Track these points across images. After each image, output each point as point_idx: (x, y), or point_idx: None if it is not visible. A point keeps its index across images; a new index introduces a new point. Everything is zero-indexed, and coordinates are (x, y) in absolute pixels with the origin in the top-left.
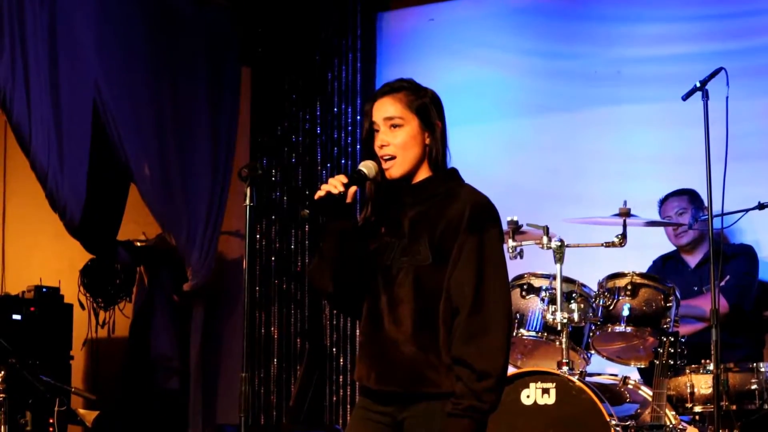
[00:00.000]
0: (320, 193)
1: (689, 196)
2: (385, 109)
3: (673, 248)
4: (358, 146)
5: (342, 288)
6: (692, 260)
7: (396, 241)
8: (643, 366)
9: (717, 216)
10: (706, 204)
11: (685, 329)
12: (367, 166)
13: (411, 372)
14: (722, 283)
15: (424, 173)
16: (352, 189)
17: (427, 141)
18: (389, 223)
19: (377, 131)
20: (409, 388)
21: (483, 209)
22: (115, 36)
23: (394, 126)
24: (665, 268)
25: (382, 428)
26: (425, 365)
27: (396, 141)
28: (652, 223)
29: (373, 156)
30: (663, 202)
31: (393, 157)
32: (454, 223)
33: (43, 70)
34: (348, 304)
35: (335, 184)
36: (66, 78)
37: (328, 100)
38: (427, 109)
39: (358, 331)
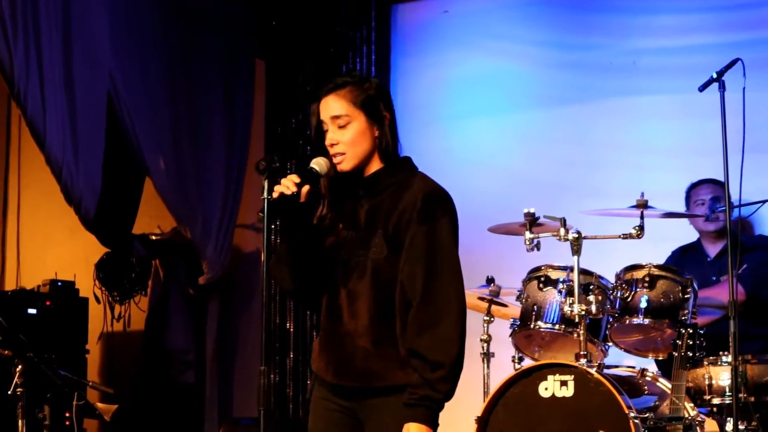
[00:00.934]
0: (273, 195)
1: (722, 186)
2: (331, 107)
3: (693, 239)
4: None
5: (302, 286)
6: (712, 250)
7: (353, 234)
8: (661, 358)
9: (735, 207)
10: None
11: (701, 320)
12: (318, 163)
13: (366, 366)
14: (739, 271)
15: (376, 165)
16: (305, 188)
17: (376, 134)
18: (346, 217)
19: (326, 130)
20: (364, 382)
21: (434, 198)
22: (130, 28)
23: (342, 125)
24: (684, 258)
25: (342, 418)
26: (381, 359)
27: (344, 139)
28: (670, 215)
29: (324, 152)
30: (695, 186)
31: (343, 153)
32: (406, 214)
33: (58, 63)
34: (310, 300)
35: (287, 185)
36: (80, 71)
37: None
38: (373, 102)
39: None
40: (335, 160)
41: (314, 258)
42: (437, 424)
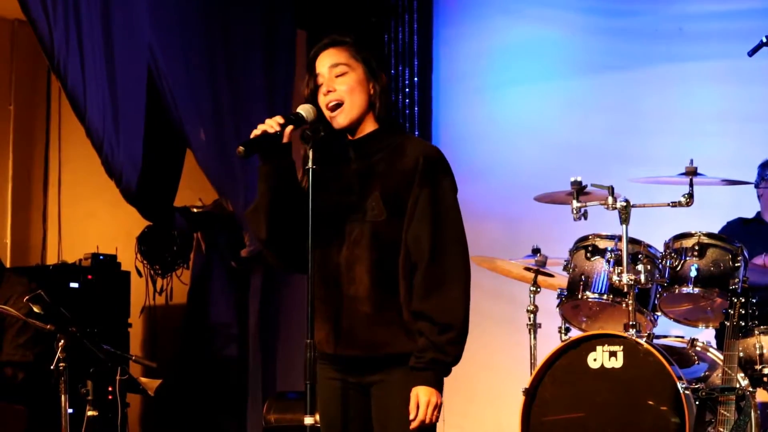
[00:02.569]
0: (256, 132)
1: None
2: (331, 58)
3: (742, 206)
4: (416, 108)
5: (277, 234)
6: None
7: (346, 198)
8: (711, 327)
9: None
10: None
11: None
12: (305, 109)
13: (369, 334)
14: None
15: (369, 126)
16: (288, 129)
17: (372, 91)
18: (337, 180)
19: (321, 84)
20: (369, 351)
21: (435, 161)
22: (169, 1)
23: (340, 74)
24: (747, 228)
25: (349, 394)
26: (384, 325)
27: (342, 87)
28: (726, 182)
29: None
30: None
31: (339, 104)
32: (406, 176)
33: (97, 36)
34: (281, 252)
35: (271, 124)
36: (120, 43)
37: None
38: (371, 60)
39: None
40: (331, 114)
41: (291, 206)
42: (442, 388)
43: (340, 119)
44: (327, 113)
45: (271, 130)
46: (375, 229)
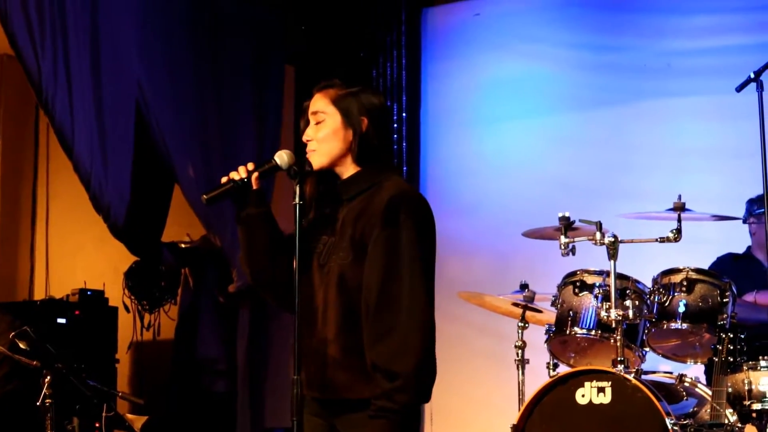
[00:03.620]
0: (223, 179)
1: None
2: (313, 104)
3: (730, 242)
4: (405, 143)
5: (260, 277)
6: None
7: (328, 239)
8: (699, 363)
9: None
10: None
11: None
12: (280, 156)
13: (333, 377)
14: None
15: (350, 168)
16: (255, 175)
17: (349, 137)
18: (326, 222)
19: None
20: (331, 394)
21: (401, 201)
22: (158, 35)
23: (318, 122)
24: (737, 264)
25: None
26: (346, 370)
27: (317, 136)
28: (714, 217)
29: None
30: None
31: (313, 150)
32: (373, 218)
33: (86, 71)
34: (271, 292)
35: (239, 171)
36: (108, 79)
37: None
38: (352, 105)
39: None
40: (307, 156)
41: (272, 250)
42: None
43: (313, 161)
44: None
45: (237, 177)
46: (341, 271)
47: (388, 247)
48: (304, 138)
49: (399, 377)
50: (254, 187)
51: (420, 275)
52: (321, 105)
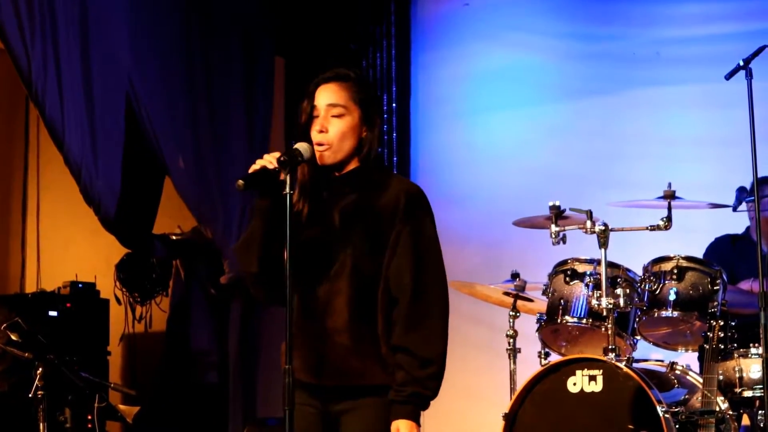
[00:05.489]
0: (255, 167)
1: None
2: (331, 95)
3: (720, 230)
4: (395, 134)
5: (267, 269)
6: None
7: (329, 231)
8: (690, 351)
9: (764, 198)
10: None
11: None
12: (302, 147)
13: (345, 364)
14: None
15: (353, 165)
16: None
17: (364, 135)
18: (320, 214)
19: (317, 116)
20: (343, 381)
21: (417, 198)
22: (148, 28)
23: (336, 115)
24: (734, 246)
25: (320, 422)
26: (361, 357)
27: (335, 129)
28: (705, 205)
29: (307, 138)
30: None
31: (329, 145)
32: (388, 212)
33: (76, 64)
34: (270, 287)
35: (270, 160)
36: (98, 71)
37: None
38: (371, 104)
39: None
40: (318, 149)
41: (281, 242)
42: (419, 422)
43: (326, 158)
44: (315, 148)
45: (270, 166)
46: (356, 262)
47: (414, 240)
48: (319, 127)
49: (433, 363)
50: (282, 177)
51: (442, 266)
52: (341, 98)
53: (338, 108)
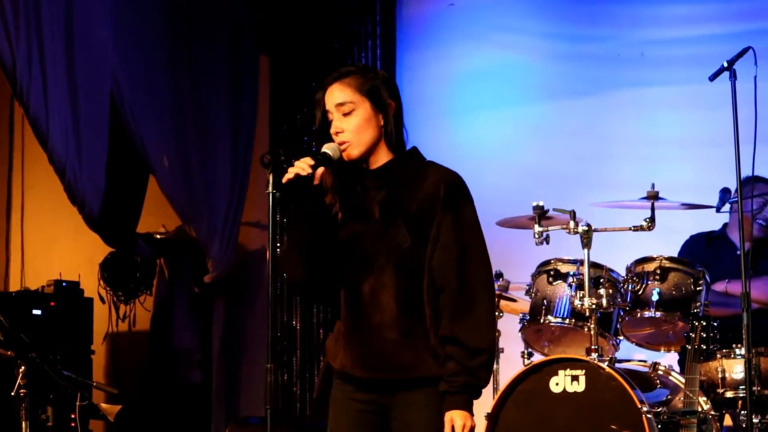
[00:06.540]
0: (288, 176)
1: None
2: (335, 95)
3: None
4: None
5: (314, 275)
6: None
7: (369, 227)
8: (673, 351)
9: (746, 199)
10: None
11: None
12: (331, 148)
13: (398, 358)
14: None
15: (384, 155)
16: (319, 170)
17: (381, 122)
18: (357, 211)
19: (332, 120)
20: (398, 374)
21: (457, 186)
22: (132, 26)
23: (347, 113)
24: (710, 244)
25: (367, 416)
26: (413, 350)
27: (349, 126)
28: (687, 206)
29: (328, 142)
30: (751, 182)
31: (348, 142)
32: (428, 202)
33: (60, 62)
34: (320, 291)
35: (302, 167)
36: (83, 70)
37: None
38: (378, 90)
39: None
40: (341, 148)
41: (327, 246)
42: (472, 411)
43: (350, 152)
44: (339, 147)
45: (303, 173)
46: (400, 256)
47: (458, 229)
48: (334, 130)
49: (483, 352)
50: (315, 182)
51: (486, 254)
52: (346, 95)
53: (346, 105)
